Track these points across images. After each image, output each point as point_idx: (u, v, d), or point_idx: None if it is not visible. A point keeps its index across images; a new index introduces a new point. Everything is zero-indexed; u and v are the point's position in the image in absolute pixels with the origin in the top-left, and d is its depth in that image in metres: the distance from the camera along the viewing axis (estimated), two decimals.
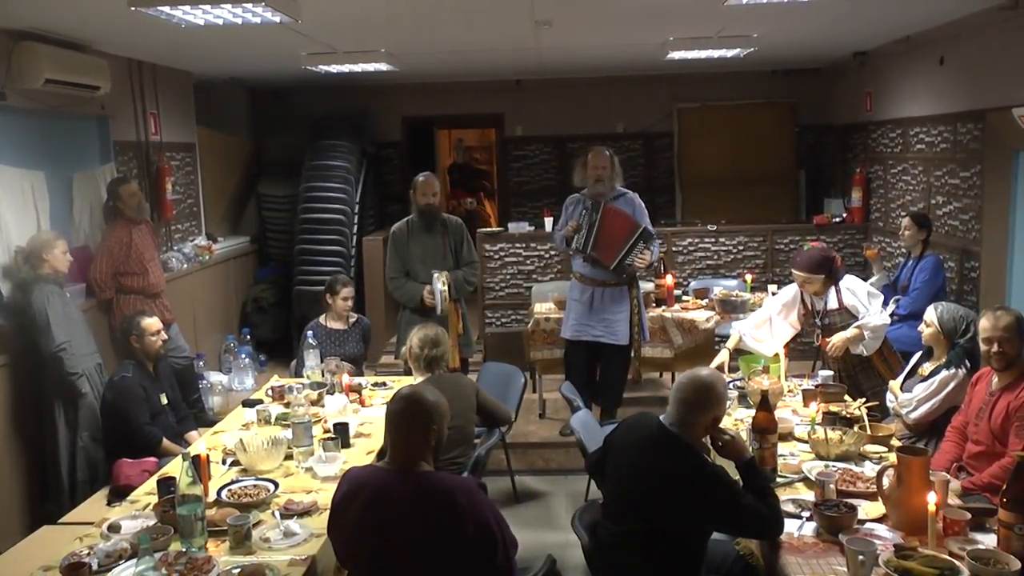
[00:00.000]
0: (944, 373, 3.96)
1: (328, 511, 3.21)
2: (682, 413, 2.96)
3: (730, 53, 6.74)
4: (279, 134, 9.10)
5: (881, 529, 2.90)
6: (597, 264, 5.63)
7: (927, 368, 4.16)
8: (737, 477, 3.03)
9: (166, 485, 3.38)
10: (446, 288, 5.50)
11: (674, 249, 7.86)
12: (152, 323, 4.85)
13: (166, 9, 4.02)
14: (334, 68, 6.85)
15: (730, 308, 6.15)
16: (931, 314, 4.11)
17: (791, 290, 4.94)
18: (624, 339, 5.73)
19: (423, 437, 2.76)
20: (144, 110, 6.67)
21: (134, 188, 5.88)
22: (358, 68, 6.90)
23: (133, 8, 3.91)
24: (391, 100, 9.25)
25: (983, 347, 3.58)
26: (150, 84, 6.76)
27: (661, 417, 3.05)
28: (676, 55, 6.71)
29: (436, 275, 5.52)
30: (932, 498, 2.66)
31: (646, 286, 6.50)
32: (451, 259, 5.72)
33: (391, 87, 9.00)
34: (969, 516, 2.77)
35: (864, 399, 4.10)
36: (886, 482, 2.96)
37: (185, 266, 6.97)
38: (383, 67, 6.84)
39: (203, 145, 7.88)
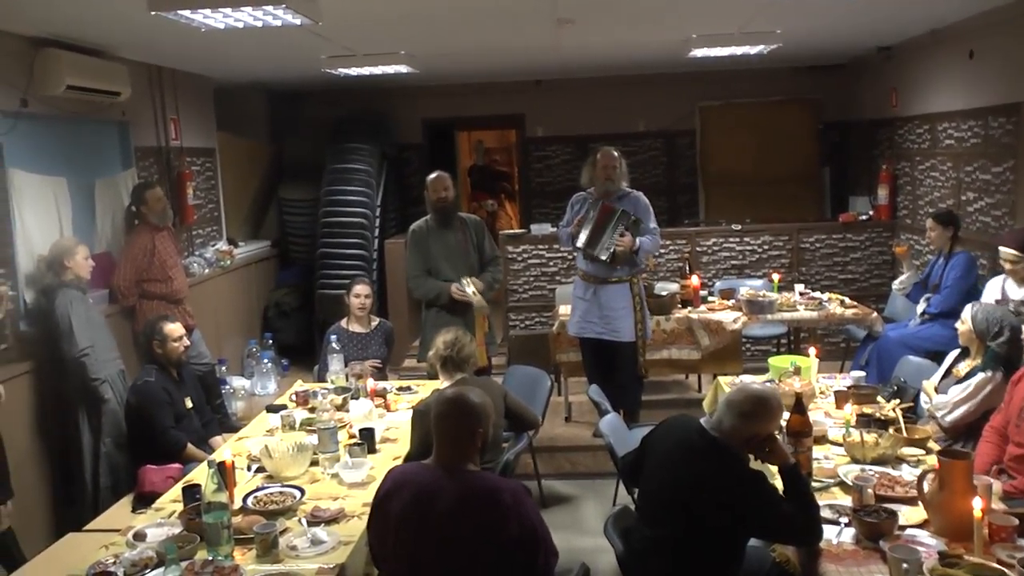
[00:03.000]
0: (981, 376, 3.86)
1: (357, 517, 3.20)
2: (729, 421, 2.90)
3: (753, 50, 6.67)
4: (299, 138, 9.10)
5: (923, 535, 2.81)
6: (596, 261, 5.63)
7: (963, 369, 4.07)
8: (775, 482, 2.97)
9: (191, 492, 3.36)
10: (477, 293, 5.45)
11: (698, 249, 7.78)
12: (174, 328, 4.83)
13: (186, 13, 4.01)
14: (354, 71, 6.83)
15: (757, 309, 6.06)
16: (966, 313, 4.04)
17: (996, 283, 4.96)
18: (627, 335, 5.71)
19: (470, 438, 2.79)
20: (164, 115, 6.67)
21: (159, 193, 5.87)
22: (378, 70, 6.87)
23: (154, 12, 3.89)
24: (411, 102, 9.22)
25: None
26: (170, 89, 6.75)
27: (702, 421, 2.99)
28: (699, 52, 6.64)
29: (464, 281, 5.47)
30: (978, 503, 2.58)
31: (671, 286, 6.43)
32: (474, 255, 5.67)
33: (411, 89, 8.97)
34: (1016, 522, 2.69)
35: (898, 400, 4.02)
36: (927, 486, 2.88)
37: (206, 271, 6.96)
38: (403, 69, 6.82)
39: (223, 149, 7.87)
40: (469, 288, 5.45)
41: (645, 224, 5.68)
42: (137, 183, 5.99)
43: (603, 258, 5.59)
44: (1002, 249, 4.80)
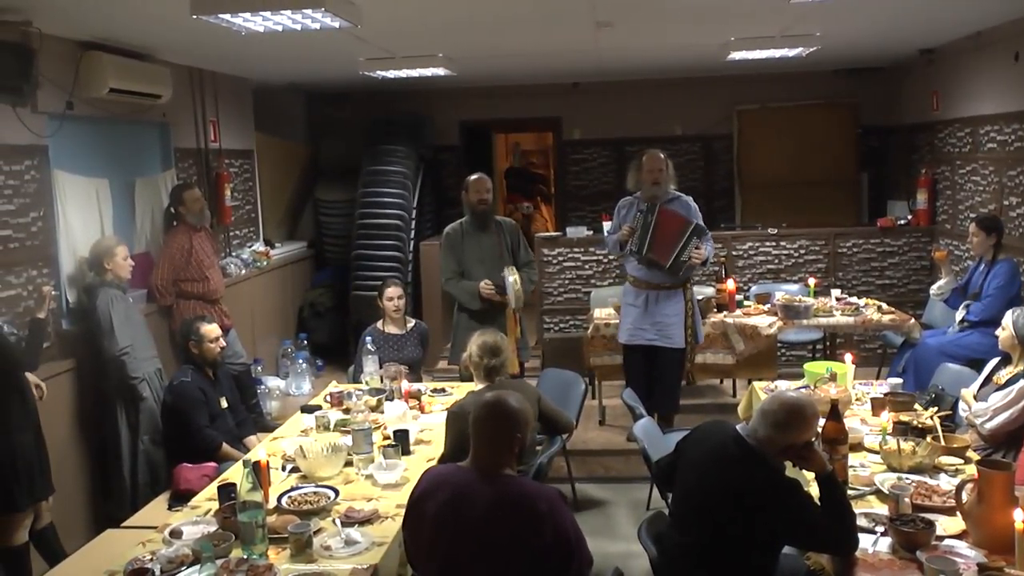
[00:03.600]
0: (1023, 382, 3.80)
1: (390, 519, 3.22)
2: (765, 430, 2.88)
3: (792, 52, 6.61)
4: (336, 139, 9.15)
5: (961, 546, 2.77)
6: (653, 266, 5.57)
7: (1003, 376, 4.00)
8: (811, 489, 2.95)
9: (227, 491, 3.39)
10: (518, 282, 5.44)
11: (734, 253, 7.73)
12: (211, 329, 4.88)
13: (227, 17, 4.05)
14: (392, 73, 6.87)
15: (793, 314, 6.01)
16: (1007, 319, 3.98)
17: None
18: (679, 342, 5.65)
19: (508, 443, 2.79)
20: (204, 117, 6.75)
21: (197, 194, 5.94)
22: (416, 73, 6.90)
23: (195, 16, 3.94)
24: (448, 104, 9.24)
25: None
26: (210, 91, 6.84)
27: (738, 427, 2.97)
28: (737, 55, 6.59)
29: (507, 270, 5.46)
30: (1019, 515, 2.54)
31: (706, 291, 6.40)
32: (508, 259, 5.66)
33: (448, 91, 9.00)
34: None
35: (936, 408, 3.97)
36: (966, 497, 2.84)
37: (243, 271, 7.03)
38: (441, 71, 6.84)
39: (261, 151, 7.95)
40: (511, 277, 5.42)
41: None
42: (175, 184, 6.07)
43: (679, 272, 5.52)
44: None
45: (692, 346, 5.75)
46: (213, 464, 4.52)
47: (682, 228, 5.47)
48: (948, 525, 2.91)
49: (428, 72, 6.90)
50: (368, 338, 5.49)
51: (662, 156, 5.65)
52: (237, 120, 7.43)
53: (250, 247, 7.42)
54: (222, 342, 4.97)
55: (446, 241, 5.74)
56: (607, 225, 7.30)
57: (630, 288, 5.77)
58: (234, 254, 7.11)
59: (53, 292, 4.71)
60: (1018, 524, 2.51)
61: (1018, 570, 2.48)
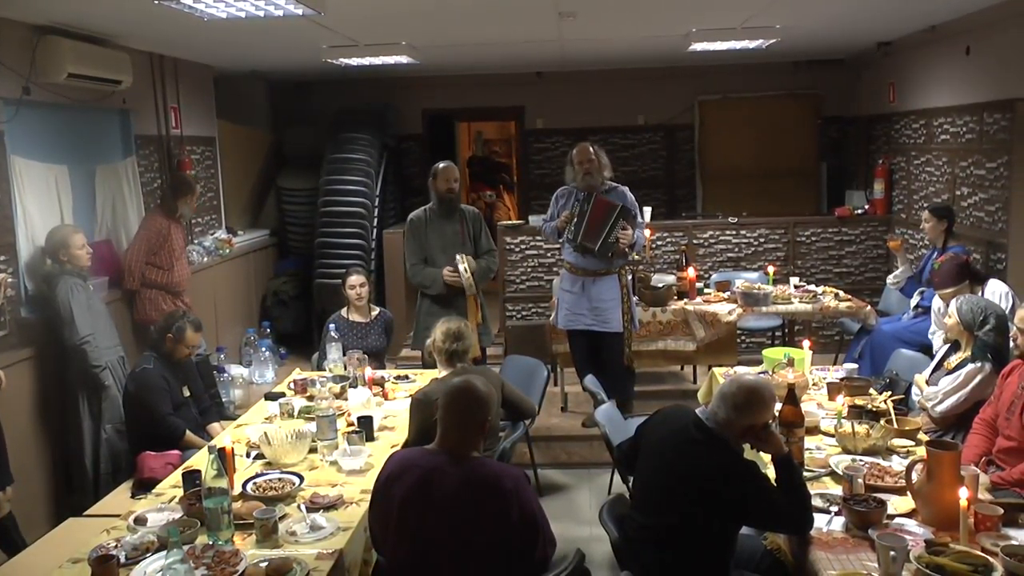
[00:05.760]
0: (970, 367, 3.91)
1: (355, 504, 3.25)
2: (724, 412, 2.95)
3: (753, 44, 6.69)
4: (299, 127, 9.11)
5: (911, 524, 2.87)
6: (587, 253, 5.63)
7: (953, 361, 4.12)
8: (767, 471, 3.02)
9: (191, 478, 3.39)
10: (468, 268, 5.48)
11: (695, 242, 7.82)
12: (195, 338, 4.85)
13: (189, 2, 4.04)
14: (355, 61, 6.84)
15: (752, 301, 6.11)
16: (952, 306, 4.09)
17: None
18: (617, 326, 5.72)
19: (477, 427, 2.86)
20: (165, 104, 6.69)
21: (198, 192, 6.16)
22: (379, 61, 6.88)
23: (157, 1, 3.92)
24: (411, 93, 9.23)
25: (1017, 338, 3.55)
26: (171, 78, 6.77)
27: (698, 411, 3.04)
28: (699, 47, 6.66)
29: (458, 258, 5.50)
30: (964, 493, 2.63)
31: (667, 278, 6.47)
32: (470, 247, 5.71)
33: (412, 80, 8.99)
34: (1001, 512, 2.75)
35: (890, 392, 4.07)
36: (915, 477, 2.93)
37: (206, 259, 6.99)
38: (404, 60, 6.83)
39: (223, 138, 7.89)
40: (462, 265, 5.48)
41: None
42: (185, 175, 6.28)
43: (608, 254, 5.57)
44: (939, 295, 4.93)
45: (629, 331, 5.82)
46: (177, 452, 4.51)
47: (609, 211, 5.54)
48: (899, 504, 3.01)
49: (391, 60, 6.89)
50: (332, 325, 5.50)
51: (592, 148, 5.69)
52: (199, 107, 7.37)
53: (212, 235, 7.36)
54: (195, 353, 4.95)
55: (410, 228, 5.76)
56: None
57: (566, 275, 5.86)
58: (196, 242, 7.05)
59: (10, 280, 4.65)
60: (963, 502, 2.60)
61: (962, 545, 2.57)
